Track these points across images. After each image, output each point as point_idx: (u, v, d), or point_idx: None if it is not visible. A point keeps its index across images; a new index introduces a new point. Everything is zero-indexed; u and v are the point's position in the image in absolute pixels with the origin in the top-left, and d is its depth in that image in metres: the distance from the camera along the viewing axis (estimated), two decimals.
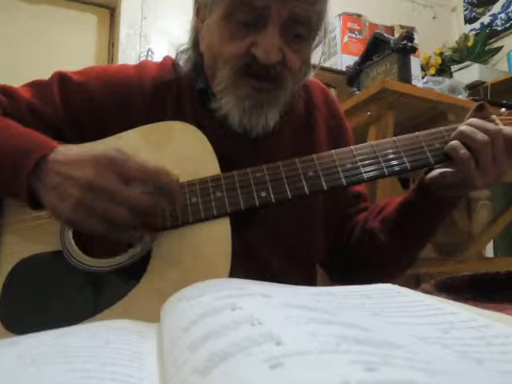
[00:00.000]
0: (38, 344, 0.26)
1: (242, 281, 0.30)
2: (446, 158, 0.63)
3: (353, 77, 1.72)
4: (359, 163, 0.62)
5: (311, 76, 0.77)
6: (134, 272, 0.57)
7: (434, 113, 1.39)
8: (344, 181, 0.61)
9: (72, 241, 0.61)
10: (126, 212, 0.53)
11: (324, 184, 0.61)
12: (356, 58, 1.81)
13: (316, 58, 0.77)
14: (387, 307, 0.27)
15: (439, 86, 1.62)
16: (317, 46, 0.74)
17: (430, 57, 2.62)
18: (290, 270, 0.70)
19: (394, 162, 0.62)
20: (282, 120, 0.73)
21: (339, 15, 2.45)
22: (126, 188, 0.54)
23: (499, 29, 2.74)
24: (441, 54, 2.64)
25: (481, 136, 0.60)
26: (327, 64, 2.46)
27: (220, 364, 0.17)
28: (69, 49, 2.32)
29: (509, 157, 0.62)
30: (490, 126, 0.62)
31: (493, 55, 2.67)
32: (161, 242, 0.59)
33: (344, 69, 2.24)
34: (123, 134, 0.66)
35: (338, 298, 0.30)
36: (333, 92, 2.29)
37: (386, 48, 1.56)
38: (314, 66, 0.77)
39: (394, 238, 0.72)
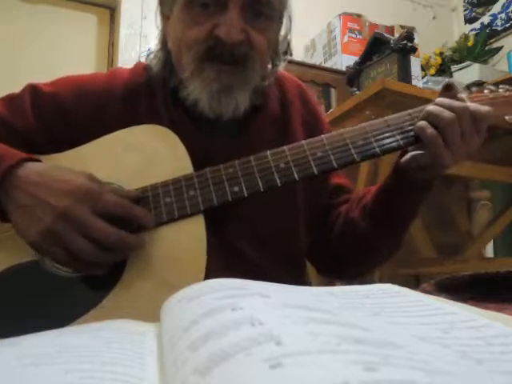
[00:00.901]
0: (38, 344, 0.26)
1: (242, 281, 0.30)
2: (415, 139, 0.63)
3: (353, 77, 1.72)
4: (329, 151, 0.62)
5: (283, 67, 0.78)
6: (112, 274, 0.58)
7: None
8: (315, 169, 0.61)
9: None
10: (91, 246, 0.54)
11: (296, 174, 0.61)
12: (356, 58, 1.81)
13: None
14: (387, 307, 0.27)
15: (439, 86, 1.62)
16: (285, 38, 0.75)
17: (430, 57, 2.62)
18: (274, 264, 0.71)
19: (364, 148, 0.62)
20: (257, 117, 0.74)
21: (339, 15, 2.45)
22: (98, 221, 0.55)
23: (499, 29, 2.74)
24: (441, 53, 2.64)
25: (447, 114, 0.61)
26: (327, 64, 2.47)
27: (220, 364, 0.17)
28: (69, 49, 2.32)
29: (477, 133, 0.62)
30: (456, 103, 0.62)
31: (493, 55, 2.67)
32: (143, 240, 0.59)
33: (344, 69, 2.23)
34: (96, 142, 0.67)
35: (338, 298, 0.30)
36: (332, 92, 2.29)
37: (385, 48, 1.56)
38: (285, 59, 0.77)
39: (375, 226, 0.72)
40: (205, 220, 0.61)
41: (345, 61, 2.31)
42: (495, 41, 2.74)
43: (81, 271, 0.58)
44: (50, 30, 2.30)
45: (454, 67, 2.41)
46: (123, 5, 2.33)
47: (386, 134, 0.63)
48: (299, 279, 0.77)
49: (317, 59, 2.54)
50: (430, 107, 0.63)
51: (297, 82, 0.85)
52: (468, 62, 2.38)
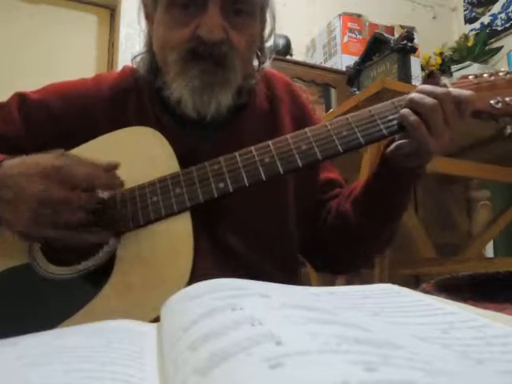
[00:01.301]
0: (38, 344, 0.26)
1: (242, 281, 0.30)
2: (399, 127, 0.63)
3: (353, 77, 1.72)
4: (314, 144, 0.62)
5: (269, 65, 0.78)
6: (101, 275, 0.59)
7: None
8: (300, 162, 0.61)
9: (40, 252, 0.62)
10: (77, 213, 0.56)
11: (280, 168, 0.61)
12: (356, 58, 1.81)
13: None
14: (387, 307, 0.27)
15: None
16: (270, 36, 0.76)
17: (430, 57, 2.62)
18: (265, 261, 0.71)
19: (348, 139, 0.62)
20: (244, 114, 0.74)
21: (339, 15, 2.45)
22: (75, 193, 0.57)
23: (499, 29, 2.75)
24: (441, 53, 2.64)
25: (429, 100, 0.60)
26: (327, 64, 2.47)
27: (220, 364, 0.17)
28: (69, 49, 2.32)
29: (460, 117, 0.62)
30: (438, 89, 0.62)
31: (493, 55, 2.67)
32: (124, 244, 0.60)
33: (344, 69, 2.24)
34: (84, 146, 0.68)
35: (338, 297, 0.30)
36: (332, 92, 2.29)
37: (385, 48, 1.56)
38: (271, 56, 0.78)
39: (365, 217, 0.72)
40: (196, 218, 0.61)
41: (345, 61, 2.32)
42: (495, 41, 2.74)
43: (77, 241, 0.59)
44: (50, 30, 2.30)
45: (454, 67, 2.41)
46: (123, 5, 2.33)
47: (370, 124, 0.63)
48: (292, 276, 0.77)
49: (317, 59, 2.55)
50: (412, 94, 0.63)
51: (285, 79, 0.85)
52: (468, 62, 2.38)
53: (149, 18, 0.74)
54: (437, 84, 0.65)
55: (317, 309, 0.24)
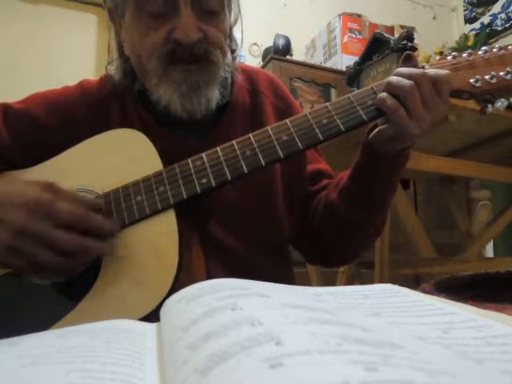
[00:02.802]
0: (38, 344, 0.26)
1: (242, 281, 0.30)
2: (379, 112, 0.62)
3: (353, 77, 1.72)
4: (294, 134, 0.62)
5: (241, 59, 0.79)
6: (88, 278, 0.58)
7: None
8: (281, 153, 0.61)
9: None
10: (54, 256, 0.55)
11: (262, 160, 0.61)
12: (356, 58, 1.81)
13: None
14: (387, 307, 0.27)
15: None
16: (236, 22, 0.76)
17: (430, 57, 2.62)
18: (256, 255, 0.71)
19: (329, 126, 0.62)
20: (228, 111, 0.75)
21: (339, 15, 2.45)
22: (55, 231, 0.55)
23: (499, 29, 2.75)
24: (441, 53, 2.64)
25: (405, 82, 0.60)
26: (327, 64, 2.47)
27: (220, 364, 0.17)
28: (69, 49, 2.32)
29: (439, 97, 0.61)
30: (414, 70, 0.61)
31: None
32: (110, 245, 0.60)
33: (344, 69, 2.24)
34: (68, 151, 0.68)
35: (338, 298, 0.30)
36: (332, 92, 2.30)
37: (385, 48, 1.56)
38: (240, 44, 0.78)
39: (353, 205, 0.72)
40: (186, 215, 0.61)
41: (345, 61, 2.32)
42: (495, 41, 2.74)
43: (50, 279, 0.59)
44: (50, 30, 2.30)
45: None
46: None
47: (350, 111, 0.63)
48: (283, 269, 0.77)
49: (317, 59, 2.55)
50: (389, 78, 0.62)
51: (266, 73, 0.85)
52: None
53: (115, 22, 0.73)
54: (414, 67, 0.64)
55: (317, 309, 0.24)
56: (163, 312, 0.30)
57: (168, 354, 0.22)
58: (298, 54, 2.56)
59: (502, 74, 0.63)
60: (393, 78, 0.62)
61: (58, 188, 0.59)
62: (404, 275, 1.61)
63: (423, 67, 0.64)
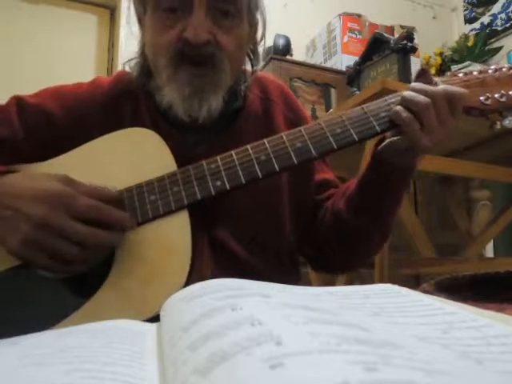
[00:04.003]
0: (39, 344, 0.26)
1: (242, 281, 0.30)
2: (392, 124, 0.64)
3: (353, 77, 1.72)
4: (308, 141, 0.63)
5: (260, 68, 0.79)
6: (99, 274, 0.58)
7: None
8: (295, 160, 0.62)
9: None
10: (73, 249, 0.55)
11: (276, 165, 0.62)
12: (356, 58, 1.82)
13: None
14: (387, 307, 0.27)
15: None
16: (262, 39, 0.77)
17: (430, 57, 2.63)
18: (262, 261, 0.71)
19: (342, 136, 0.63)
20: (239, 118, 0.75)
21: (339, 15, 2.45)
22: (76, 225, 0.56)
23: (499, 29, 2.75)
24: (441, 53, 2.64)
25: (421, 98, 0.61)
26: (327, 64, 2.47)
27: (220, 364, 0.17)
28: (69, 49, 2.32)
29: (453, 114, 0.63)
30: (430, 87, 0.63)
31: (493, 55, 2.67)
32: (123, 243, 0.60)
33: (344, 69, 2.24)
34: (80, 148, 0.68)
35: (338, 298, 0.30)
36: (332, 92, 2.29)
37: (385, 48, 1.56)
38: (264, 59, 0.79)
39: (361, 216, 0.72)
40: (194, 219, 0.61)
41: (345, 61, 2.32)
42: (495, 41, 2.74)
43: (67, 273, 0.59)
44: (50, 30, 2.31)
45: (453, 67, 2.41)
46: (123, 5, 2.33)
47: (363, 121, 0.64)
48: (290, 277, 0.77)
49: (317, 59, 2.55)
50: (405, 93, 0.64)
51: (277, 82, 0.86)
52: (468, 62, 2.37)
53: (140, 22, 0.75)
54: (429, 82, 0.66)
55: (317, 309, 0.24)
56: (163, 312, 0.30)
57: (168, 353, 0.22)
58: (298, 54, 2.56)
59: (511, 92, 0.66)
60: (408, 93, 0.63)
61: (77, 182, 0.60)
62: (404, 275, 1.61)
63: (436, 83, 0.65)
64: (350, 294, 0.31)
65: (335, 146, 0.63)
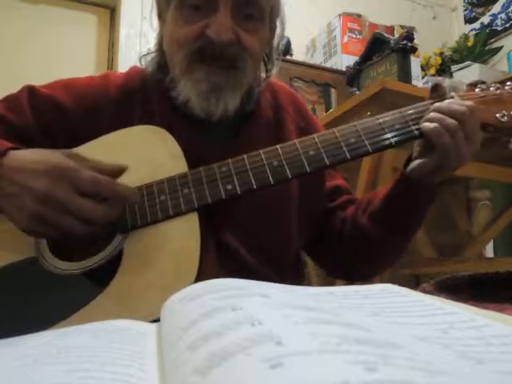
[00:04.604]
0: (39, 344, 0.26)
1: (242, 281, 0.30)
2: (406, 138, 0.64)
3: (353, 77, 1.72)
4: (321, 150, 0.63)
5: (274, 73, 0.79)
6: (107, 272, 0.58)
7: None
8: (307, 167, 0.62)
9: (46, 246, 0.62)
10: (77, 223, 0.55)
11: (288, 172, 0.62)
12: (356, 58, 1.81)
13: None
14: (387, 307, 0.27)
15: None
16: (278, 45, 0.77)
17: (430, 57, 2.62)
18: (267, 267, 0.71)
19: (356, 146, 0.63)
20: (251, 122, 0.75)
21: (339, 15, 2.45)
22: (79, 199, 0.55)
23: (499, 29, 2.74)
24: (441, 53, 2.64)
25: (450, 122, 0.61)
26: (327, 64, 2.47)
27: (220, 364, 0.17)
28: (69, 49, 2.32)
29: (478, 132, 0.63)
30: (454, 107, 0.62)
31: (493, 55, 2.67)
32: (131, 241, 0.60)
33: (344, 69, 2.23)
34: (91, 143, 0.67)
35: (338, 298, 0.30)
36: (332, 92, 2.29)
37: (385, 48, 1.56)
38: (278, 64, 0.79)
39: (385, 232, 0.73)
40: (201, 220, 0.61)
41: (345, 61, 2.31)
42: (495, 41, 2.74)
43: (77, 243, 0.59)
44: (50, 30, 2.30)
45: (453, 67, 2.41)
46: (123, 5, 2.32)
47: (378, 133, 0.64)
48: (294, 283, 0.77)
49: (317, 59, 2.54)
50: (432, 114, 0.63)
51: (289, 89, 0.86)
52: (468, 62, 2.38)
53: (161, 17, 0.74)
54: (443, 95, 0.66)
55: (317, 309, 0.24)
56: (163, 312, 0.30)
57: (168, 353, 0.22)
58: (298, 54, 2.56)
59: None
60: (435, 116, 0.62)
61: (82, 156, 0.59)
62: (404, 275, 1.61)
63: (452, 97, 0.65)
64: (349, 294, 0.31)
65: (348, 157, 0.62)
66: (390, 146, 0.64)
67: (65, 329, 0.30)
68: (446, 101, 0.64)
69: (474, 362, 0.18)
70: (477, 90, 0.68)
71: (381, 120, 0.65)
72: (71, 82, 0.76)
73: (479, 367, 0.18)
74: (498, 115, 0.65)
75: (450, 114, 0.62)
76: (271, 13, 0.72)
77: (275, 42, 0.77)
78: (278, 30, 0.76)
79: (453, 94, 0.66)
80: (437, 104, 0.64)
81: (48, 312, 0.57)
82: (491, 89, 0.68)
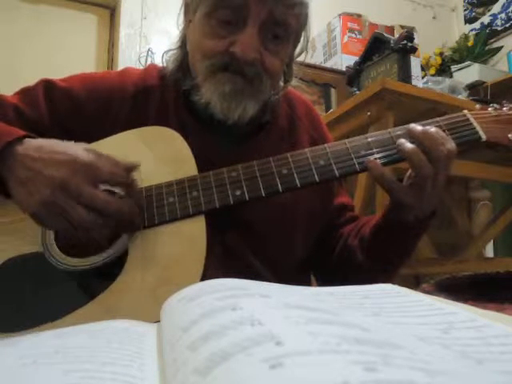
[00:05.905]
0: (39, 344, 0.26)
1: (242, 281, 0.30)
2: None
3: (353, 77, 1.72)
4: (332, 160, 0.63)
5: (292, 85, 0.80)
6: (111, 271, 0.58)
7: (434, 113, 1.39)
8: (317, 177, 0.62)
9: (53, 242, 0.62)
10: (90, 216, 0.55)
11: (297, 181, 0.62)
12: (356, 58, 1.81)
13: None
14: (387, 307, 0.27)
15: (439, 86, 1.62)
16: (299, 54, 0.78)
17: (430, 57, 2.63)
18: (273, 272, 0.71)
19: (366, 159, 0.63)
20: (266, 130, 0.75)
21: (339, 15, 2.45)
22: (94, 191, 0.56)
23: (499, 29, 2.74)
24: (441, 53, 2.64)
25: (428, 169, 0.61)
26: (327, 64, 2.47)
27: (220, 364, 0.17)
28: (69, 49, 2.32)
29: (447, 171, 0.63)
30: (433, 154, 0.61)
31: (493, 55, 2.67)
32: (137, 241, 0.60)
33: (344, 69, 2.23)
34: (103, 141, 0.67)
35: (337, 298, 0.30)
36: (332, 92, 2.29)
37: (385, 48, 1.56)
38: (296, 76, 0.80)
39: (369, 259, 0.72)
40: (208, 224, 0.61)
41: (345, 61, 2.31)
42: (495, 41, 2.74)
43: (83, 239, 0.58)
44: (50, 30, 2.30)
45: (453, 67, 2.41)
46: (123, 5, 2.33)
47: (388, 147, 0.64)
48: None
49: (317, 59, 2.54)
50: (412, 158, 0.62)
51: (304, 100, 0.87)
52: (468, 62, 2.38)
53: (187, 16, 0.74)
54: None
55: (317, 309, 0.24)
56: (163, 312, 0.30)
57: (168, 353, 0.22)
58: None
59: None
60: (413, 157, 0.61)
61: (100, 153, 0.59)
62: (404, 275, 1.61)
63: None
64: (349, 294, 0.31)
65: (358, 169, 0.63)
66: (401, 159, 0.64)
67: (64, 329, 0.30)
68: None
69: (473, 362, 0.18)
70: (489, 109, 0.69)
71: (392, 134, 0.65)
72: (88, 77, 0.76)
73: (479, 367, 0.18)
74: (510, 136, 0.66)
75: (426, 161, 0.61)
76: (298, 31, 0.72)
77: (296, 52, 0.77)
78: (301, 41, 0.76)
79: (465, 112, 0.66)
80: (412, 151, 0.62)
81: (50, 307, 0.57)
82: (504, 109, 0.68)
